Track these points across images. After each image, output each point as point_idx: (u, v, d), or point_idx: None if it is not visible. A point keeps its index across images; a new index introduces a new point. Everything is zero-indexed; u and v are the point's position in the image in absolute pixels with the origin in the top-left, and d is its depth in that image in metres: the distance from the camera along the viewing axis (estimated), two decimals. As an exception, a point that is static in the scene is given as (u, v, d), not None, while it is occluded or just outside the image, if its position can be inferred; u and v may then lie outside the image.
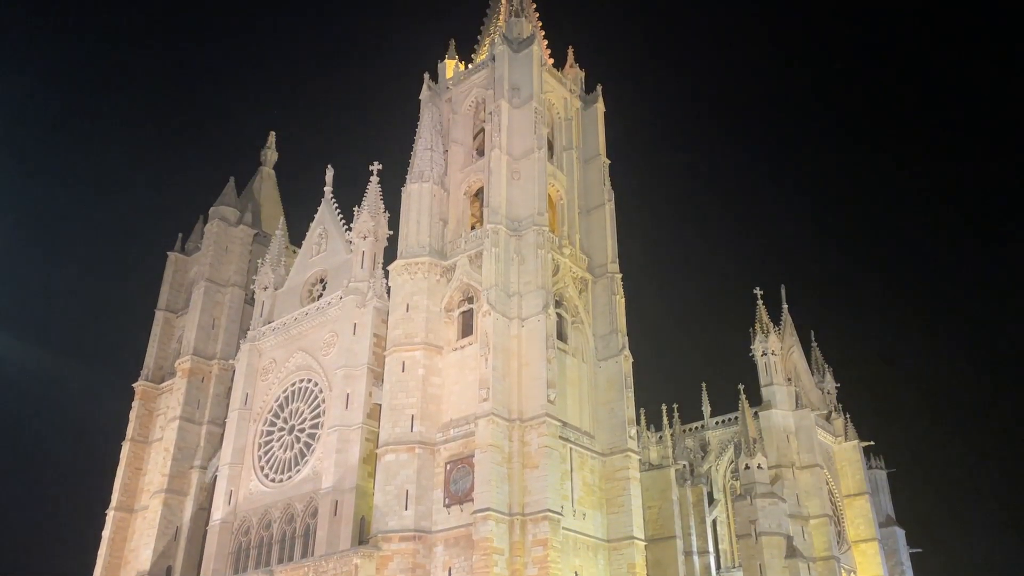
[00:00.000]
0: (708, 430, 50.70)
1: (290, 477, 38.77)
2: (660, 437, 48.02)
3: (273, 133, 58.74)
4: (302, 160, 72.41)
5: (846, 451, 51.03)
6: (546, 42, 45.38)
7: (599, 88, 45.18)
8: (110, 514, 46.02)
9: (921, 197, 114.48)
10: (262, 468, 40.11)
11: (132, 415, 48.67)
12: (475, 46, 47.54)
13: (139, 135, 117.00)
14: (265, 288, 44.21)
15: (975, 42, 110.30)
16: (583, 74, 46.16)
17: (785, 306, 53.39)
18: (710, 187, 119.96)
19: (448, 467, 33.57)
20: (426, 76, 43.46)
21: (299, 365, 40.90)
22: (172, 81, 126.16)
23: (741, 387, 46.30)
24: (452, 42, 46.23)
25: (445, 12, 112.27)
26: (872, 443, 53.30)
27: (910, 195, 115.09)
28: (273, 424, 41.04)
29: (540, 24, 46.51)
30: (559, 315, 36.32)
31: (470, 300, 36.69)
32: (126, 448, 47.76)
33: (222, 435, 42.72)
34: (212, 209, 50.75)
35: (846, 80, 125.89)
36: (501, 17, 45.67)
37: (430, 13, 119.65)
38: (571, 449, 34.51)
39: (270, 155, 58.48)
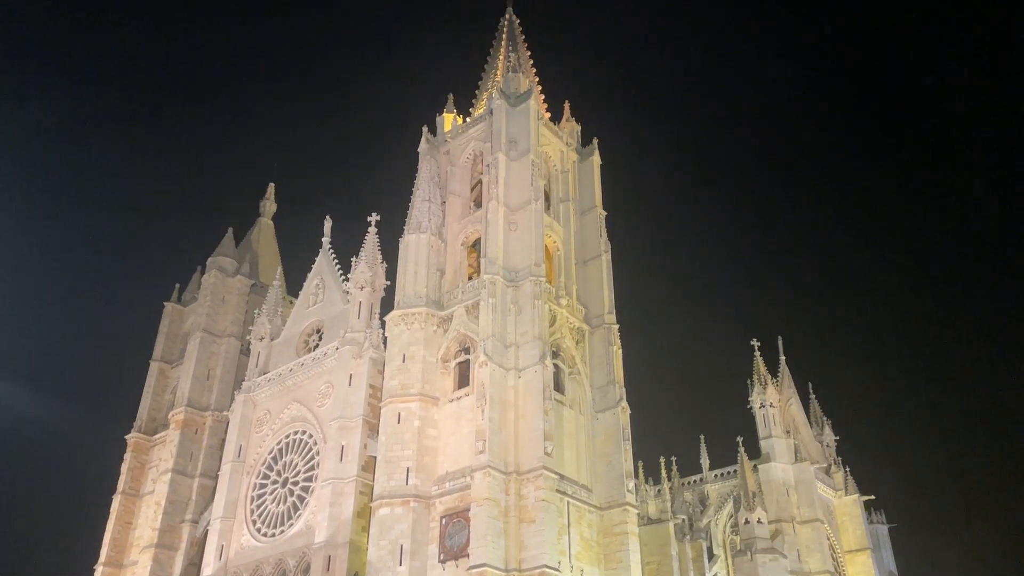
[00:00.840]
0: (707, 483, 50.00)
1: (283, 531, 37.98)
2: (659, 491, 47.26)
3: (272, 185, 59.71)
4: (301, 211, 73.32)
5: (847, 505, 50.30)
6: (543, 96, 46.67)
7: (595, 141, 46.22)
8: (99, 570, 44.87)
9: (918, 247, 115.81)
10: (254, 522, 39.30)
11: (124, 468, 48.00)
12: (473, 100, 48.86)
13: (138, 186, 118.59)
14: (261, 338, 44.20)
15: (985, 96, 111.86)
16: (579, 127, 47.30)
17: (783, 357, 53.47)
18: (706, 238, 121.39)
19: (443, 521, 32.98)
20: (424, 129, 44.52)
21: (294, 416, 40.56)
22: (173, 132, 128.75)
23: (740, 440, 45.95)
24: (450, 96, 47.56)
25: (443, 67, 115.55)
26: (873, 497, 52.64)
27: (907, 246, 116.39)
28: (266, 477, 40.42)
29: (537, 79, 47.94)
30: (556, 366, 36.28)
31: (467, 351, 36.69)
32: (116, 501, 46.92)
33: (214, 488, 42.01)
34: (210, 260, 51.15)
35: (839, 133, 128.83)
36: (499, 72, 47.09)
37: (428, 68, 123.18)
38: (568, 503, 33.98)
39: (269, 206, 59.26)
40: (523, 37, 50.51)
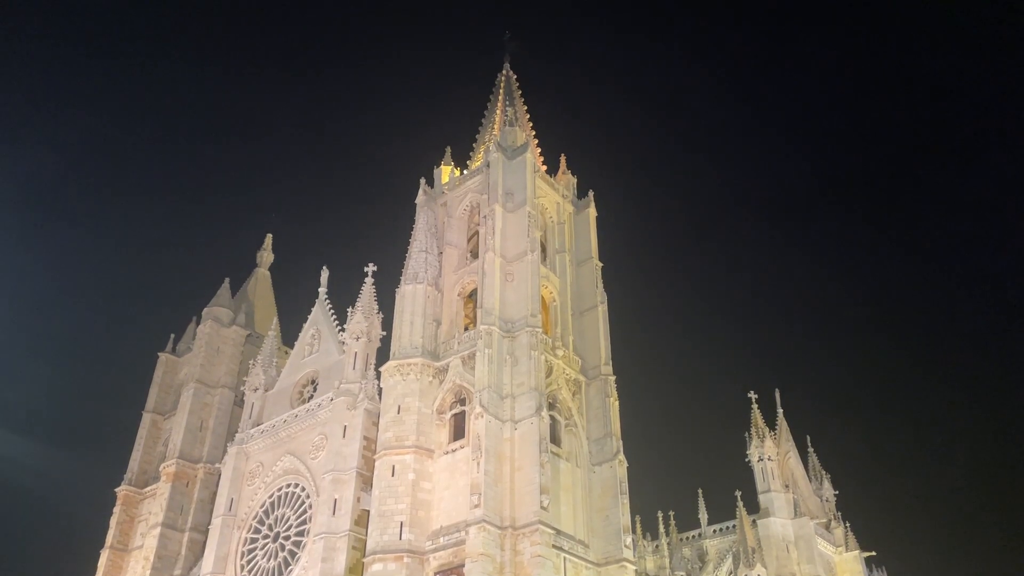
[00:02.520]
0: (706, 539, 49.09)
1: (274, 586, 37.05)
2: (656, 546, 46.41)
3: (270, 235, 60.20)
4: (298, 261, 74.01)
5: (847, 561, 49.29)
6: (539, 150, 47.78)
7: (591, 193, 47.05)
8: (86, 627, 43.57)
9: (916, 301, 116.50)
10: (245, 578, 38.36)
11: (113, 521, 47.03)
12: (470, 153, 49.94)
13: (136, 235, 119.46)
14: (255, 389, 43.93)
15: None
16: (575, 180, 48.20)
17: (780, 411, 53.20)
18: (703, 289, 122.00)
19: (438, 576, 32.29)
20: (422, 181, 45.34)
21: (287, 469, 39.99)
22: (171, 183, 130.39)
23: (738, 494, 45.41)
24: (448, 149, 48.59)
25: (441, 120, 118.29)
26: (874, 553, 51.62)
27: (904, 298, 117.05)
28: (257, 531, 39.59)
29: (533, 132, 49.18)
30: (552, 418, 36.06)
31: (462, 402, 36.54)
32: (104, 556, 45.88)
33: (204, 543, 41.06)
34: (205, 310, 51.30)
35: (836, 186, 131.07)
36: (496, 126, 48.28)
37: (426, 121, 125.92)
38: (565, 559, 33.29)
39: (266, 257, 59.70)
40: (520, 92, 52.01)
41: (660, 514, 48.51)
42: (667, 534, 47.39)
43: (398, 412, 36.03)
